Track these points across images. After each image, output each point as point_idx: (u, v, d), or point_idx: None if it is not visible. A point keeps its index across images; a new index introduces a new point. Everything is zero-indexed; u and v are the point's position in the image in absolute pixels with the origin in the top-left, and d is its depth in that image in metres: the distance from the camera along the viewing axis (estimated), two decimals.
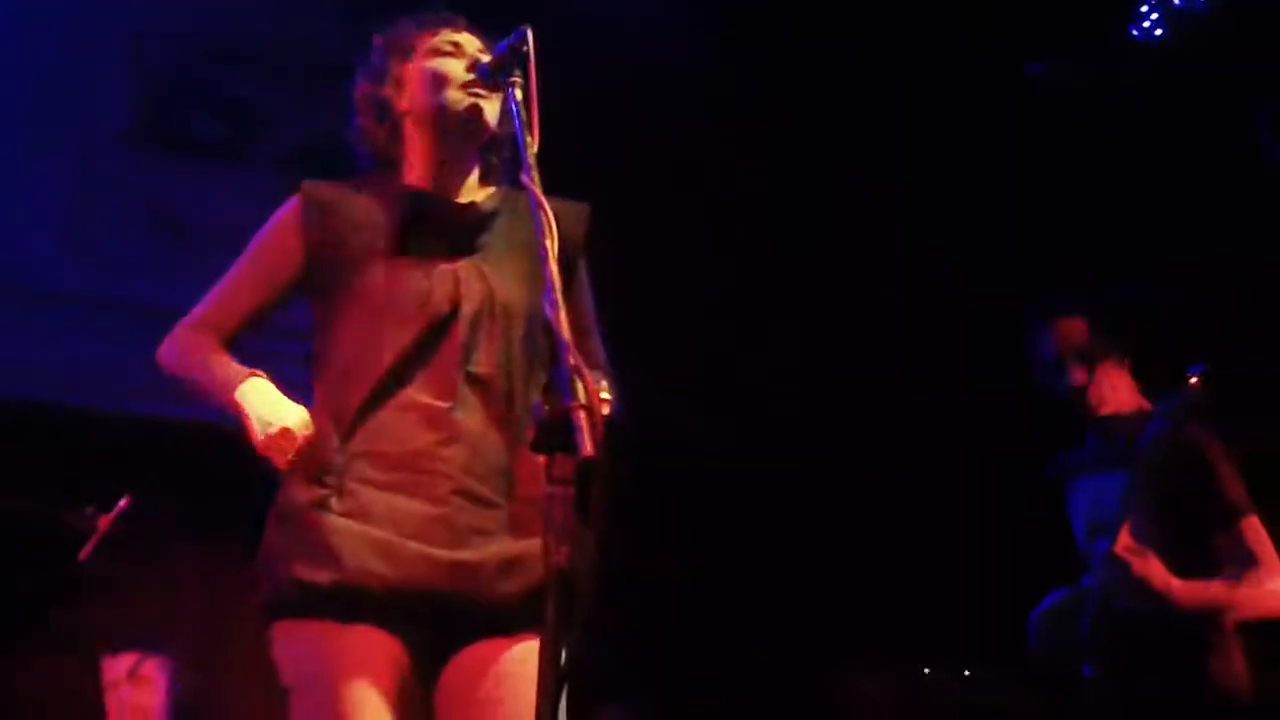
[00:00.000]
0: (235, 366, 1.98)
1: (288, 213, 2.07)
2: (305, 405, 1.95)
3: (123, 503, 3.50)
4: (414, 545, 1.85)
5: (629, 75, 4.66)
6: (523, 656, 1.87)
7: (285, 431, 1.86)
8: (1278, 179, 4.96)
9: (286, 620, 1.88)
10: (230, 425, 1.95)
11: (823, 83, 4.99)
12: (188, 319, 2.08)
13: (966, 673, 4.35)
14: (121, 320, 4.66)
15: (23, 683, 4.08)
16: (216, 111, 5.01)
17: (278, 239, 2.06)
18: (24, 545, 3.83)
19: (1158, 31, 4.90)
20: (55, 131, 4.75)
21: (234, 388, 1.93)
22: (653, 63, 4.75)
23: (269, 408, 1.89)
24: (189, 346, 2.03)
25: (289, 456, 1.87)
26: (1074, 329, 3.09)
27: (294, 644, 1.88)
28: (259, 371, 1.97)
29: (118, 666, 4.11)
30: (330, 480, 1.89)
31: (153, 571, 4.38)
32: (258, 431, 1.88)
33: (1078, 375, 3.06)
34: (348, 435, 1.91)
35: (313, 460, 1.89)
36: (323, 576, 1.83)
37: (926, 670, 4.33)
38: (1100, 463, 3.05)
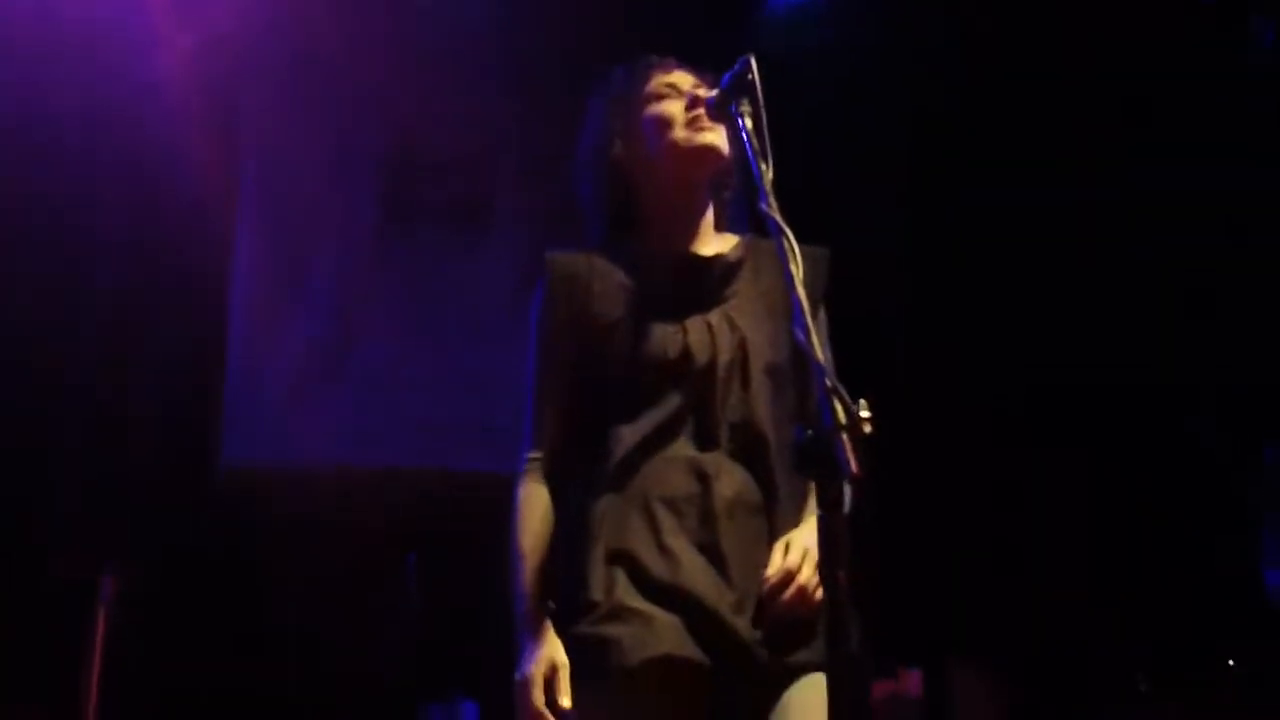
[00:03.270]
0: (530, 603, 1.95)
1: (543, 295, 2.07)
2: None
3: None
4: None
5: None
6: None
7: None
8: None
9: None
10: None
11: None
12: (526, 458, 2.06)
13: None
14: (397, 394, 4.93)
15: None
16: (455, 177, 5.17)
17: (547, 323, 2.06)
18: None
19: None
20: (317, 225, 5.04)
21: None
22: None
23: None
24: (519, 532, 2.00)
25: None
26: None
27: None
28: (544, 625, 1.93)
29: None
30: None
31: None
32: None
33: None
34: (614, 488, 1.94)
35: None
36: None
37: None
38: None
